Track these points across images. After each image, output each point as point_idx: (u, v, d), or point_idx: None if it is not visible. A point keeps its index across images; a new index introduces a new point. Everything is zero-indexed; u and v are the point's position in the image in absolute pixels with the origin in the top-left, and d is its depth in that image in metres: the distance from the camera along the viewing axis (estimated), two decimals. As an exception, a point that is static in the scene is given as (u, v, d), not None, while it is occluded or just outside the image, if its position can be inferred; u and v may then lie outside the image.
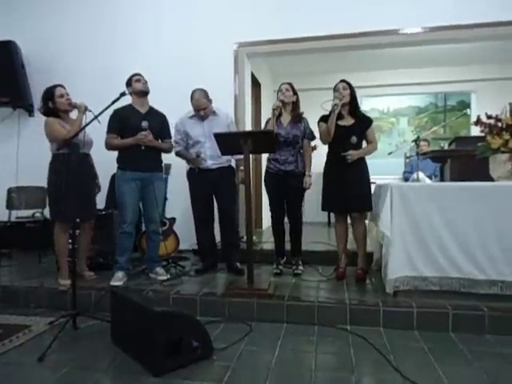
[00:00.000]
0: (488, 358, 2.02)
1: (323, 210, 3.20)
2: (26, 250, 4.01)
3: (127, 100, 3.06)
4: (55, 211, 2.95)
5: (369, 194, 3.04)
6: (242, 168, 3.25)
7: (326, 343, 2.21)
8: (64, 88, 2.98)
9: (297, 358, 2.05)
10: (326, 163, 3.15)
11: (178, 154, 3.33)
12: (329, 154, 3.15)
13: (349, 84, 3.03)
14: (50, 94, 2.94)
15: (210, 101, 3.26)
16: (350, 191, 2.94)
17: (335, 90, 3.03)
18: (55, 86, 2.96)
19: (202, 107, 3.19)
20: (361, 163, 3.03)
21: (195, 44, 4.16)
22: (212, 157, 3.19)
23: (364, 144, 3.11)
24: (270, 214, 3.31)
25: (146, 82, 3.12)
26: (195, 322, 2.04)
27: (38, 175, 3.54)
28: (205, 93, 3.23)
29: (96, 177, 3.26)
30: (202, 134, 3.23)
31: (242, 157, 2.95)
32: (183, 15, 4.21)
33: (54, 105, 2.93)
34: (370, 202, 3.02)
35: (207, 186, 3.23)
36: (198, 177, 3.26)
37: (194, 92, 3.22)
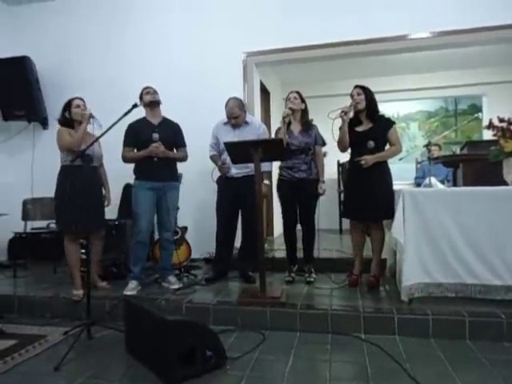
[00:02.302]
0: (506, 366, 1.97)
1: (344, 216, 3.17)
2: (42, 261, 4.05)
3: (142, 113, 3.13)
4: (62, 222, 3.01)
5: (389, 202, 2.90)
6: (265, 182, 3.25)
7: (341, 352, 2.19)
8: (82, 100, 3.08)
9: (311, 367, 2.03)
10: (348, 169, 3.13)
11: (211, 158, 3.40)
12: (349, 161, 3.14)
13: (364, 89, 2.98)
14: (68, 104, 3.06)
15: (244, 111, 3.31)
16: (370, 199, 2.88)
17: (351, 96, 3.01)
18: (74, 98, 3.06)
19: (233, 116, 3.22)
20: (380, 168, 2.95)
21: (204, 54, 4.21)
22: (237, 166, 3.17)
23: (387, 148, 3.02)
24: (281, 221, 3.31)
25: (156, 92, 3.17)
26: (208, 331, 2.04)
27: (52, 186, 3.59)
28: (239, 102, 3.28)
29: (107, 190, 3.31)
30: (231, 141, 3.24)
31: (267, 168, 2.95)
32: (192, 25, 4.27)
33: (69, 115, 3.03)
34: (390, 210, 2.86)
35: (231, 194, 3.25)
36: (224, 184, 3.31)
37: (229, 100, 3.27)
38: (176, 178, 3.27)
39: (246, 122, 3.33)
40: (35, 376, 1.99)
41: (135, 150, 3.14)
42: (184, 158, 3.30)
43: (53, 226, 4.08)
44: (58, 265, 3.83)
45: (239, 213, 3.36)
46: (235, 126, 3.29)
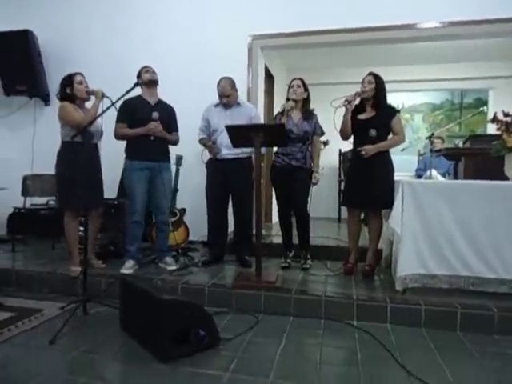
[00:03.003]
0: (495, 358, 2.00)
1: (343, 204, 3.17)
2: (41, 237, 4.08)
3: (137, 92, 3.09)
4: (64, 199, 3.02)
5: (389, 192, 2.87)
6: (262, 165, 3.25)
7: (332, 338, 2.22)
8: (83, 76, 3.03)
9: (302, 350, 2.07)
10: (350, 158, 3.12)
11: (200, 141, 3.36)
12: (352, 149, 3.12)
13: (376, 77, 2.94)
14: (69, 80, 2.99)
15: (235, 90, 3.29)
16: (369, 187, 2.87)
17: (362, 82, 2.98)
18: (75, 74, 3.01)
19: (225, 94, 3.20)
20: (382, 158, 2.92)
21: (209, 36, 4.15)
22: (228, 146, 3.13)
23: (390, 137, 2.99)
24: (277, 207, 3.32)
25: (155, 72, 3.14)
26: (203, 311, 2.06)
27: (52, 163, 3.59)
28: (231, 81, 3.26)
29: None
30: (222, 122, 3.21)
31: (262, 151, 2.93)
32: (199, 6, 4.20)
33: (71, 91, 2.97)
34: (390, 199, 2.82)
35: (222, 175, 3.24)
36: (215, 167, 3.29)
37: (221, 79, 3.25)
38: (169, 159, 3.26)
39: (238, 104, 3.32)
40: (30, 348, 2.02)
41: (128, 128, 3.09)
42: (176, 142, 3.29)
43: (52, 202, 4.10)
44: (56, 241, 3.86)
45: (229, 196, 3.35)
46: (226, 107, 3.27)
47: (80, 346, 2.04)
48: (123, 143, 3.15)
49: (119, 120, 3.08)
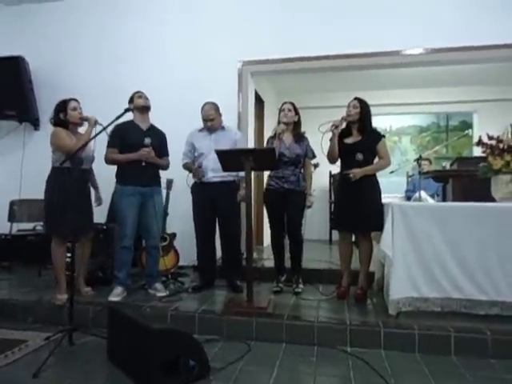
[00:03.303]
0: (491, 382, 1.98)
1: (334, 228, 3.18)
2: (27, 263, 3.99)
3: (129, 117, 3.11)
4: (51, 224, 2.97)
5: (379, 213, 2.91)
6: (244, 185, 3.25)
7: (326, 365, 2.17)
8: (78, 102, 3.04)
9: (295, 379, 2.01)
10: (338, 181, 3.15)
11: (184, 166, 3.35)
12: (340, 173, 3.15)
13: (361, 101, 3.01)
14: (63, 105, 2.99)
15: (219, 115, 3.32)
16: (358, 210, 2.89)
17: (348, 106, 3.05)
18: (70, 100, 3.01)
19: (210, 118, 3.23)
20: (369, 181, 2.97)
21: (199, 62, 4.23)
22: (214, 170, 3.16)
23: (376, 161, 3.05)
24: (270, 231, 3.30)
25: (147, 98, 3.17)
26: (193, 340, 2.01)
27: (41, 188, 3.53)
28: (215, 106, 3.30)
29: (97, 190, 3.28)
30: (207, 146, 3.25)
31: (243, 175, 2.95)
32: (188, 32, 4.29)
33: (65, 117, 2.97)
34: (380, 221, 2.87)
35: (208, 200, 3.22)
36: (201, 191, 3.27)
37: (204, 104, 3.29)
38: (159, 183, 3.25)
39: (223, 128, 3.35)
40: (13, 382, 1.94)
41: (119, 153, 3.08)
42: (167, 167, 3.29)
43: (39, 228, 4.03)
44: (43, 268, 3.77)
45: (216, 220, 3.33)
46: (211, 131, 3.29)
47: (65, 379, 1.96)
48: (113, 168, 3.13)
49: (110, 145, 3.07)
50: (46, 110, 4.36)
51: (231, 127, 3.42)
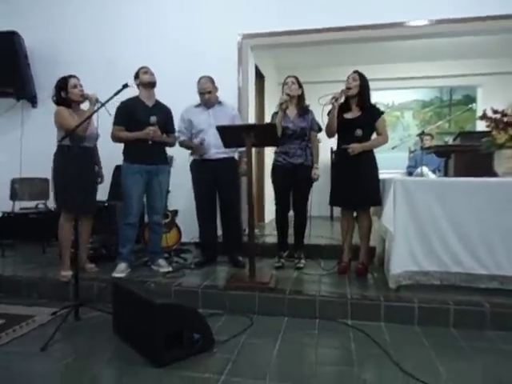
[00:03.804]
0: (488, 354, 2.02)
1: (331, 204, 3.18)
2: (30, 241, 4.03)
3: (134, 92, 3.07)
4: (59, 201, 2.97)
5: (377, 189, 2.96)
6: (245, 160, 3.24)
7: (327, 337, 2.22)
8: (78, 79, 2.98)
9: (297, 351, 2.05)
10: (334, 157, 3.13)
11: (181, 143, 3.32)
12: (336, 149, 3.13)
13: (360, 75, 2.97)
14: (63, 83, 2.94)
15: (215, 88, 3.26)
16: (355, 186, 2.90)
17: (347, 79, 3.00)
18: (70, 76, 2.96)
19: (207, 90, 3.19)
20: (367, 157, 2.97)
21: (199, 36, 4.13)
22: (216, 145, 3.13)
23: (374, 137, 3.05)
24: (273, 207, 3.31)
25: (153, 74, 3.11)
26: (196, 314, 2.05)
27: (41, 166, 3.55)
28: (211, 79, 3.25)
29: (100, 167, 3.27)
30: (206, 121, 3.21)
31: (245, 149, 2.93)
32: (186, 6, 4.17)
33: (66, 95, 2.93)
34: (378, 197, 2.94)
35: (210, 177, 3.21)
36: (201, 168, 3.25)
37: (200, 77, 3.24)
38: (166, 161, 3.24)
39: (220, 103, 3.30)
40: (22, 356, 1.98)
41: (125, 130, 3.06)
42: (173, 144, 3.27)
43: (41, 206, 4.04)
44: (46, 245, 3.80)
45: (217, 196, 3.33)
46: (208, 106, 3.25)
47: (72, 353, 2.01)
48: (114, 146, 3.10)
49: (116, 123, 3.04)
50: (43, 86, 4.31)
51: (227, 102, 3.38)
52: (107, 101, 2.58)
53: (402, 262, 2.57)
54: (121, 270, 3.01)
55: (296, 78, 3.17)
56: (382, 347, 2.05)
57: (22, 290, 2.95)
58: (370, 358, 1.96)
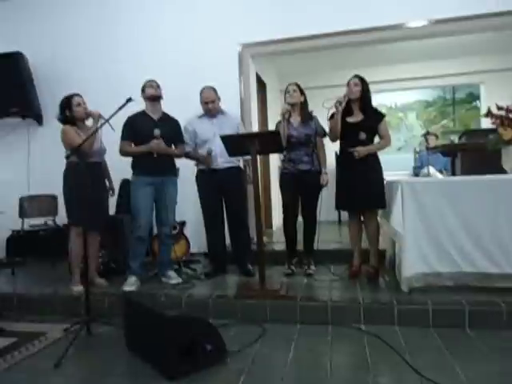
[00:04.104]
0: (506, 354, 1.98)
1: (337, 208, 3.17)
2: (40, 258, 4.05)
3: (143, 106, 3.13)
4: (71, 216, 3.01)
5: (382, 191, 2.97)
6: (250, 168, 3.25)
7: (341, 343, 2.19)
8: (81, 97, 3.04)
9: (312, 358, 2.03)
10: (338, 161, 3.14)
11: (186, 155, 3.33)
12: (340, 152, 3.13)
13: (361, 79, 2.99)
14: (67, 102, 3.00)
15: (218, 98, 3.29)
16: (361, 189, 2.91)
17: (347, 84, 3.01)
18: (73, 95, 3.01)
19: (210, 99, 3.21)
20: (372, 159, 2.98)
21: (198, 46, 4.16)
22: (222, 154, 3.13)
23: (377, 140, 3.07)
24: (281, 214, 3.30)
25: (159, 87, 3.14)
26: (208, 325, 2.03)
27: (48, 183, 3.58)
28: (214, 89, 3.28)
29: (110, 181, 3.31)
30: (210, 131, 3.23)
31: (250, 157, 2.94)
32: (186, 17, 4.21)
33: (71, 113, 2.98)
34: (383, 199, 2.95)
35: (216, 187, 3.22)
36: (208, 178, 3.25)
37: (203, 88, 3.27)
38: (175, 173, 3.26)
39: (223, 112, 3.33)
40: (36, 373, 1.98)
41: (133, 144, 3.11)
42: (182, 155, 3.28)
43: (50, 222, 4.07)
44: (56, 261, 3.82)
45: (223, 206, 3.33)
46: (212, 116, 3.27)
47: (86, 368, 2.01)
48: (120, 160, 3.14)
49: (123, 137, 3.09)
50: (48, 104, 4.37)
51: (229, 112, 3.40)
52: (111, 116, 2.60)
53: (414, 264, 2.55)
54: (131, 284, 3.00)
55: (297, 85, 3.18)
56: (397, 351, 2.01)
57: (33, 308, 2.95)
58: (385, 363, 1.93)
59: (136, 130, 3.05)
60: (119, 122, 2.98)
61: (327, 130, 3.16)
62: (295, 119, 3.18)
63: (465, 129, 4.77)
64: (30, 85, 4.44)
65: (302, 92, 3.19)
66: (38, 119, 4.58)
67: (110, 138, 3.00)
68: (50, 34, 4.53)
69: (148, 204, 3.07)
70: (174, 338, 1.86)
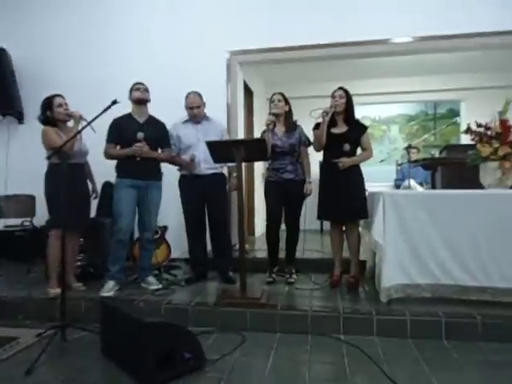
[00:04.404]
0: (482, 365, 2.02)
1: (319, 218, 3.19)
2: (15, 260, 3.93)
3: (130, 108, 3.10)
4: (51, 218, 2.95)
5: (364, 202, 3.02)
6: (234, 175, 3.25)
7: (320, 353, 2.19)
8: (63, 98, 2.99)
9: (291, 368, 2.02)
10: (321, 171, 3.17)
11: (169, 159, 3.30)
12: (323, 162, 3.17)
13: (346, 92, 3.04)
14: (48, 103, 2.94)
15: (204, 104, 3.29)
16: (344, 199, 2.94)
17: (332, 96, 3.05)
18: (54, 96, 2.96)
19: (195, 105, 3.21)
20: (355, 171, 3.03)
21: (187, 53, 4.16)
22: (206, 160, 3.14)
23: (359, 151, 3.13)
24: (263, 221, 3.30)
25: (147, 90, 3.12)
26: (187, 332, 2.01)
27: (27, 183, 3.50)
28: (199, 95, 3.28)
29: (94, 183, 3.26)
30: (195, 136, 3.22)
31: (234, 164, 2.94)
32: (175, 23, 4.21)
33: (52, 114, 2.93)
34: (365, 210, 2.99)
35: (199, 192, 3.20)
36: (191, 183, 3.24)
37: (189, 93, 3.27)
38: (159, 177, 3.21)
39: (208, 119, 3.33)
40: (6, 380, 1.91)
41: (118, 147, 3.07)
42: (167, 159, 3.24)
43: (27, 223, 3.96)
44: (31, 264, 3.71)
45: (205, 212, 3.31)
46: (196, 122, 3.27)
47: (59, 375, 1.95)
48: (103, 162, 3.10)
49: (108, 140, 3.06)
50: (30, 102, 4.27)
51: (214, 118, 3.40)
52: (95, 118, 2.55)
53: (393, 275, 2.58)
54: (109, 289, 2.94)
55: (282, 95, 3.21)
56: (375, 362, 2.03)
57: (6, 311, 2.84)
58: (363, 373, 1.94)
59: (121, 132, 3.02)
60: (104, 124, 2.95)
61: (311, 139, 3.20)
62: (280, 129, 3.20)
63: (445, 143, 4.89)
64: (11, 82, 4.33)
65: (286, 101, 3.22)
66: (19, 117, 4.47)
67: (94, 141, 2.96)
68: (36, 31, 4.45)
69: (130, 207, 3.03)
70: (151, 345, 1.83)
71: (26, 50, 4.40)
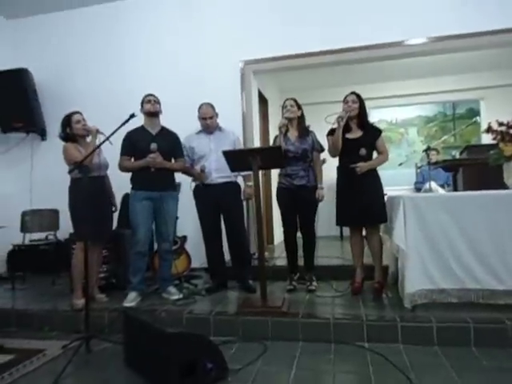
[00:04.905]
0: (514, 373, 1.94)
1: (337, 224, 3.16)
2: (40, 273, 4.02)
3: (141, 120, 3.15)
4: (75, 231, 3.03)
5: (382, 206, 2.98)
6: (248, 184, 3.26)
7: (344, 362, 2.15)
8: (81, 114, 3.09)
9: (314, 378, 1.99)
10: (338, 177, 3.14)
11: (183, 171, 3.34)
12: (339, 168, 3.14)
13: (359, 96, 3.03)
14: (67, 120, 3.05)
15: (216, 114, 3.32)
16: (362, 204, 2.90)
17: (345, 101, 3.04)
18: (72, 114, 3.06)
19: (208, 115, 3.25)
20: (372, 175, 3.00)
21: (201, 63, 4.22)
22: (217, 170, 3.18)
23: (375, 155, 3.10)
24: (281, 229, 3.29)
25: (158, 102, 3.16)
26: (209, 342, 2.01)
27: (50, 198, 3.60)
28: (212, 106, 3.32)
29: (112, 196, 3.32)
30: (207, 146, 3.26)
31: (249, 172, 2.94)
32: (189, 34, 4.29)
33: (71, 131, 3.03)
34: (384, 213, 2.95)
35: (212, 202, 3.22)
36: (204, 193, 3.26)
37: (202, 104, 3.31)
38: (174, 187, 3.25)
39: (220, 129, 3.35)
40: (33, 392, 1.95)
41: (132, 159, 3.12)
42: (181, 169, 3.28)
43: (51, 237, 4.06)
44: (56, 277, 3.80)
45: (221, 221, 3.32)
46: (209, 132, 3.30)
47: (84, 387, 1.97)
48: (121, 175, 3.15)
49: (123, 153, 3.11)
50: (52, 119, 4.41)
51: (227, 128, 3.42)
52: (113, 132, 2.62)
53: (417, 280, 2.52)
54: (131, 300, 2.98)
55: (295, 100, 3.21)
56: (401, 370, 1.97)
57: (33, 323, 2.92)
58: (389, 383, 1.89)
59: (134, 144, 3.07)
60: (119, 137, 3.01)
61: (324, 145, 3.17)
62: (292, 134, 3.20)
63: (466, 144, 4.77)
64: (34, 100, 4.50)
65: (299, 107, 3.22)
66: (42, 134, 4.62)
67: (111, 153, 3.02)
68: (56, 50, 4.62)
69: (146, 219, 3.06)
70: (174, 355, 1.83)
71: (47, 70, 4.56)
